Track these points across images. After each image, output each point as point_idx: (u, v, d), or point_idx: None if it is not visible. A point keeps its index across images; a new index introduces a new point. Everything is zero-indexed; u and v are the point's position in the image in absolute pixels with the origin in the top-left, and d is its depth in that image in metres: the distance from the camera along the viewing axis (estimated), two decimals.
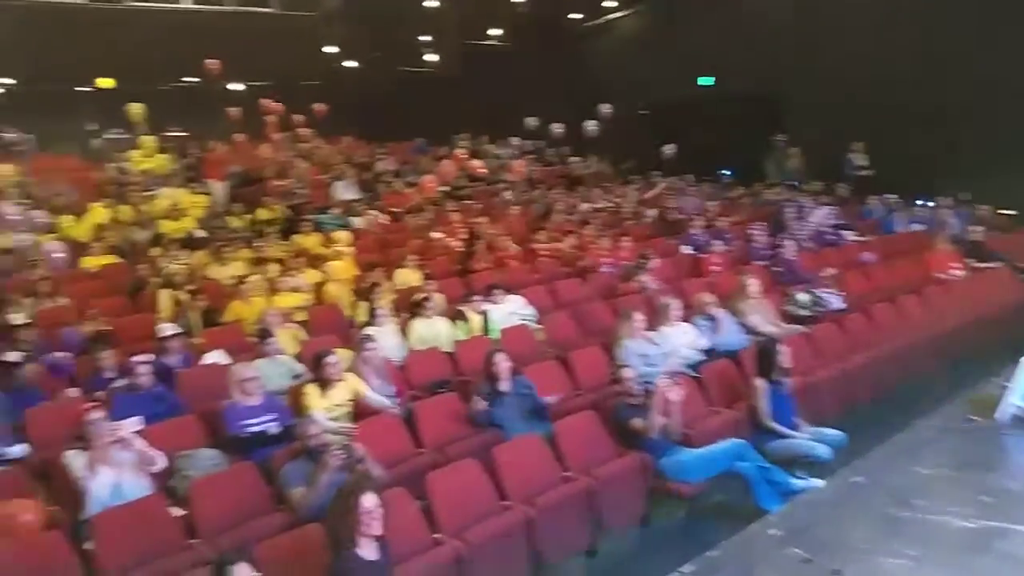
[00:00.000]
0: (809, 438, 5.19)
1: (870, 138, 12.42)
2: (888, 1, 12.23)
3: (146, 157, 12.26)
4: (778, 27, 14.11)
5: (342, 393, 5.39)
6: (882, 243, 10.49)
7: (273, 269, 8.63)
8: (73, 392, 5.76)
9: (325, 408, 5.24)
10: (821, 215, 10.86)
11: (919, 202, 11.72)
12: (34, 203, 10.89)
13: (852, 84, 12.73)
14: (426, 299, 7.16)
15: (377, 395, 5.52)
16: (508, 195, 12.55)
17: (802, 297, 7.67)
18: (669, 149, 14.29)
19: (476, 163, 12.87)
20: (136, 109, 13.18)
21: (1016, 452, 2.69)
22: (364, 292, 7.67)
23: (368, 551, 3.44)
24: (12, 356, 5.90)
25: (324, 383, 5.36)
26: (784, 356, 5.41)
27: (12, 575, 3.50)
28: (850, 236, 10.64)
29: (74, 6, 14.78)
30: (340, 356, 6.12)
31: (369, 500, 3.43)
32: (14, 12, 13.43)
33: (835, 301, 7.73)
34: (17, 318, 6.54)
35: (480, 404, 5.25)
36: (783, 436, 5.22)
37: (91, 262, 9.22)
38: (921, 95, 11.69)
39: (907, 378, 6.90)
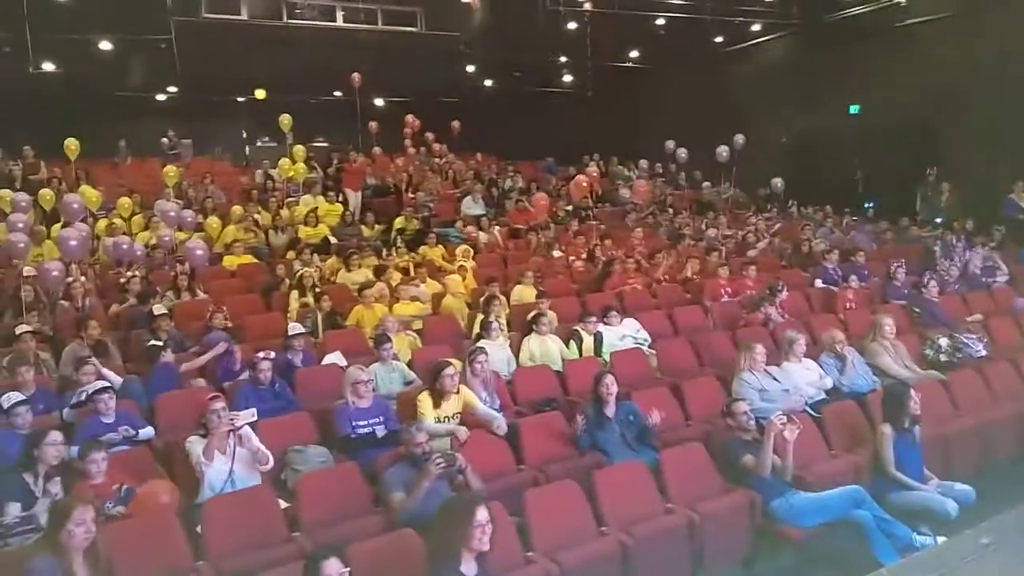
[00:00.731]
0: (936, 492, 4.79)
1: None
2: None
3: (291, 166, 13.01)
4: (936, 54, 13.25)
5: (454, 405, 5.44)
6: None
7: (396, 277, 8.92)
8: (200, 382, 6.16)
9: (436, 417, 5.30)
10: (971, 256, 10.08)
11: None
12: (186, 203, 11.82)
13: (1014, 118, 11.74)
14: (541, 316, 7.18)
15: (487, 408, 5.52)
16: (632, 217, 12.41)
17: (943, 342, 7.11)
18: (778, 182, 13.73)
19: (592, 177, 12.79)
20: (286, 120, 14.04)
21: None
22: (480, 305, 7.78)
23: (468, 566, 3.43)
24: (156, 340, 6.41)
25: (439, 393, 5.40)
26: (915, 402, 5.01)
27: (127, 549, 3.70)
28: (1003, 281, 9.81)
29: (241, 23, 15.94)
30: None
31: (482, 514, 3.43)
32: (189, 27, 14.68)
33: (979, 348, 7.11)
34: (159, 308, 7.06)
35: (580, 425, 5.15)
36: (907, 487, 4.82)
37: (230, 261, 9.86)
38: None
39: None
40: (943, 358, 6.98)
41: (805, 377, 6.12)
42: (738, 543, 4.64)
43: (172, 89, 17.59)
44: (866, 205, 14.41)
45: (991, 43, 12.42)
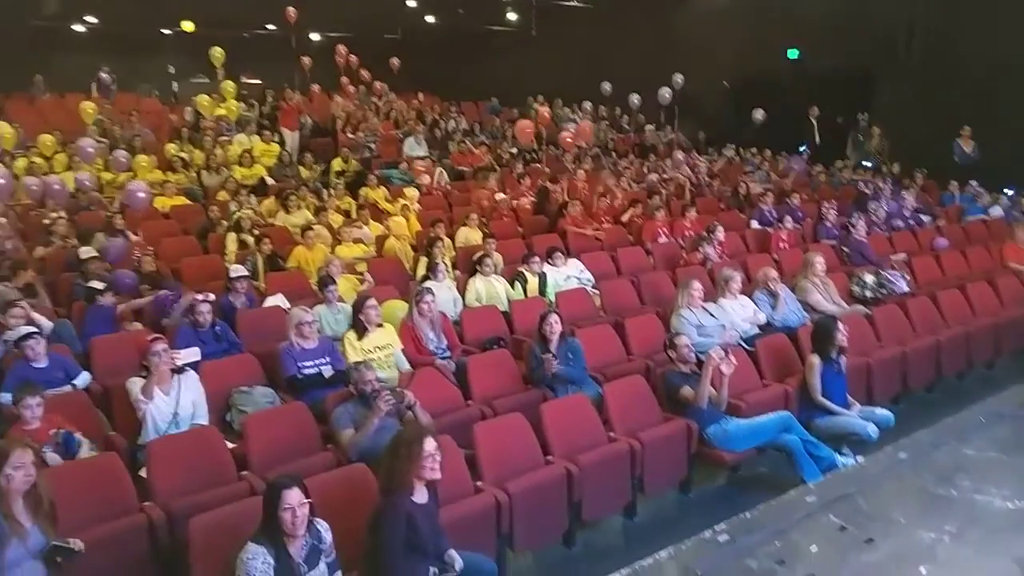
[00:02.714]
0: (858, 417, 5.11)
1: (965, 123, 11.83)
2: None
3: (222, 103, 12.56)
4: (875, 2, 13.48)
5: (380, 338, 5.50)
6: (958, 230, 10.10)
7: (337, 219, 8.82)
8: (136, 325, 6.04)
9: (362, 351, 5.35)
10: (904, 199, 10.48)
11: (1009, 192, 11.13)
12: (112, 142, 11.34)
13: (947, 67, 12.10)
14: (486, 257, 7.23)
15: (402, 356, 5.58)
16: (573, 159, 12.46)
17: (868, 279, 7.46)
18: (759, 115, 13.89)
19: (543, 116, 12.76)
20: (217, 54, 13.48)
21: None
22: (425, 247, 7.78)
23: (419, 494, 3.53)
24: (97, 284, 6.22)
25: (363, 328, 5.47)
26: (843, 335, 5.29)
27: (69, 493, 3.64)
28: (927, 221, 10.27)
29: None
30: (397, 307, 6.29)
31: (431, 444, 3.51)
32: None
33: (902, 284, 7.49)
34: (87, 251, 6.84)
35: (552, 364, 5.25)
36: (832, 413, 5.14)
37: (163, 202, 9.57)
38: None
39: (968, 366, 6.75)
40: (869, 294, 7.35)
41: (740, 313, 6.35)
42: (676, 468, 4.88)
43: (92, 20, 16.64)
44: (801, 148, 14.74)
45: None
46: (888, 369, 6.07)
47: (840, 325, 5.35)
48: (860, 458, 4.44)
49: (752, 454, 4.92)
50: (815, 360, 5.23)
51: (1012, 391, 2.93)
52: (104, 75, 15.10)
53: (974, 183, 11.35)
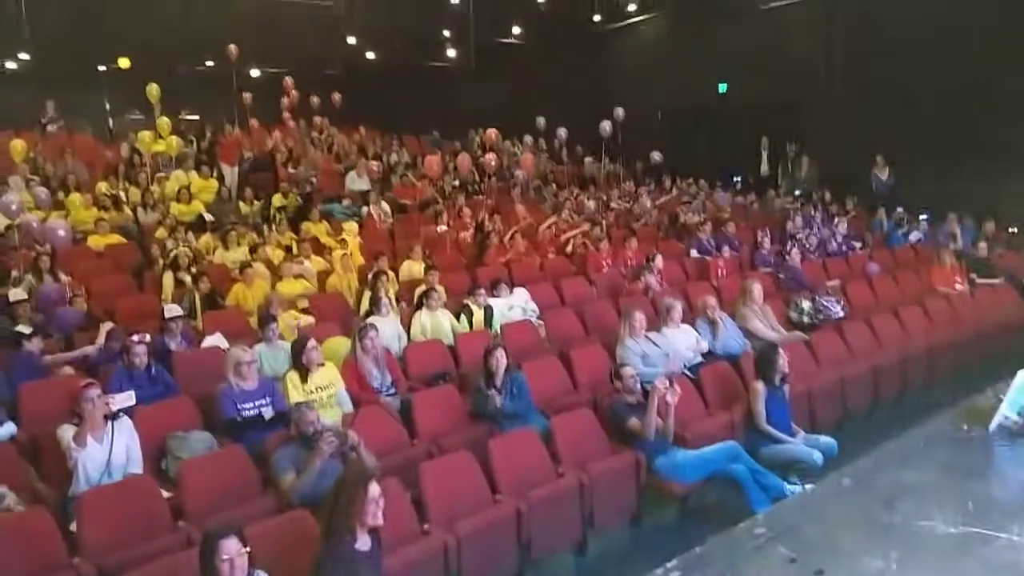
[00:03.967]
0: (803, 444, 5.19)
1: (885, 151, 12.33)
2: (919, 22, 12.04)
3: (159, 139, 12.30)
4: (798, 37, 14.05)
5: (323, 378, 5.41)
6: (888, 256, 10.47)
7: (277, 255, 8.67)
8: (68, 370, 5.80)
9: (305, 393, 5.24)
10: (836, 226, 10.83)
11: (924, 217, 11.63)
12: (43, 179, 10.98)
13: (869, 97, 12.64)
14: (431, 290, 7.18)
15: (346, 395, 5.49)
16: (517, 191, 12.54)
17: (805, 305, 7.65)
18: (656, 155, 14.26)
19: (489, 157, 12.87)
20: (153, 90, 13.23)
21: (1003, 462, 2.66)
22: (368, 281, 7.69)
23: (362, 541, 3.42)
24: (24, 328, 5.96)
25: (305, 369, 5.37)
26: (784, 361, 5.39)
27: None
28: (857, 248, 10.62)
29: None
30: (340, 344, 6.17)
31: (374, 489, 3.41)
32: None
33: (837, 310, 7.70)
34: (17, 294, 6.57)
35: (496, 399, 5.20)
36: (778, 441, 5.21)
37: (97, 241, 9.28)
38: (940, 110, 11.54)
39: (904, 389, 6.90)
40: (806, 320, 7.54)
41: (683, 341, 6.42)
42: (626, 501, 4.86)
43: (24, 56, 16.20)
44: (734, 179, 15.17)
45: (847, 27, 13.28)
46: (829, 394, 6.19)
47: (781, 351, 5.45)
48: (807, 486, 4.49)
49: (701, 484, 4.92)
50: (759, 387, 5.31)
51: (949, 413, 3.01)
52: (49, 113, 14.70)
53: (900, 210, 11.80)
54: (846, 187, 12.65)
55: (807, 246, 9.97)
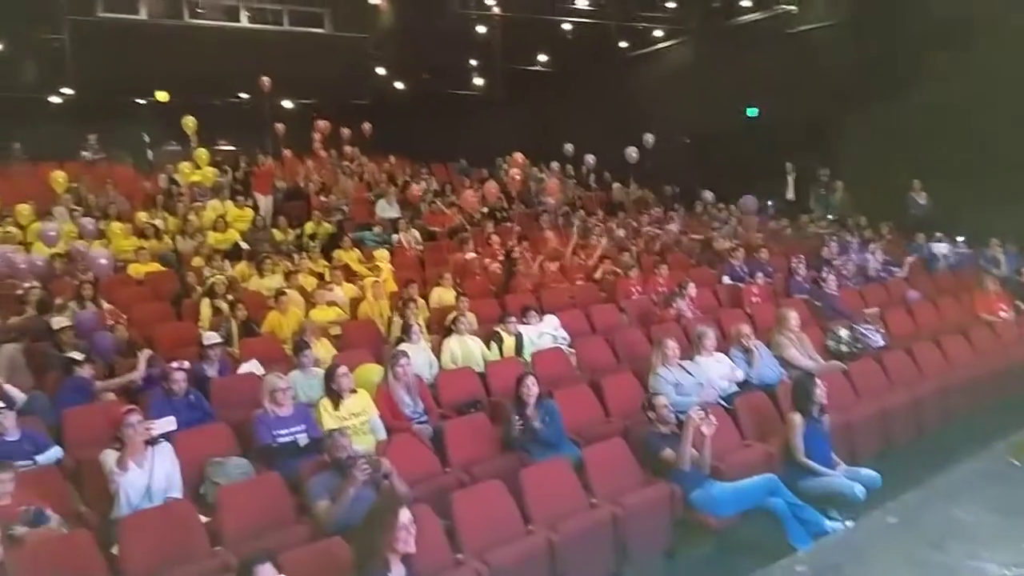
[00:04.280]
0: (844, 477, 5.06)
1: (920, 175, 12.17)
2: (940, 39, 11.94)
3: (196, 169, 12.55)
4: (826, 59, 13.98)
5: (355, 405, 5.43)
6: (928, 282, 10.26)
7: (310, 283, 8.76)
8: (109, 396, 5.90)
9: (337, 420, 5.26)
10: (872, 252, 10.67)
11: (962, 240, 11.41)
12: (86, 209, 11.26)
13: (901, 120, 12.50)
14: (460, 317, 7.20)
15: (379, 422, 5.49)
16: (545, 218, 12.57)
17: (843, 333, 7.50)
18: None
19: (513, 172, 12.92)
20: (190, 122, 13.54)
21: None
22: (399, 309, 7.73)
23: (396, 569, 3.42)
24: (76, 355, 6.09)
25: (337, 395, 5.39)
26: (821, 392, 5.28)
27: (38, 571, 3.53)
28: (896, 274, 10.44)
29: (139, 23, 15.31)
30: (372, 371, 6.20)
31: (405, 516, 3.42)
32: (84, 27, 14.00)
33: (876, 338, 7.54)
34: (60, 321, 6.71)
35: (532, 423, 5.18)
36: (817, 474, 5.08)
37: (137, 269, 9.46)
38: (976, 136, 11.37)
39: (948, 420, 6.72)
40: (844, 349, 7.37)
41: (717, 370, 6.34)
42: (660, 534, 4.78)
43: (67, 91, 16.70)
44: (768, 203, 15.03)
45: (878, 48, 13.18)
46: (869, 426, 6.05)
47: (818, 381, 5.35)
48: (849, 523, 4.38)
49: (738, 518, 4.83)
50: (796, 419, 5.20)
51: (997, 447, 2.93)
52: (91, 144, 15.14)
53: (939, 235, 11.59)
54: (880, 212, 12.48)
55: (844, 273, 9.81)
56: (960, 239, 11.39)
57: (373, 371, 6.21)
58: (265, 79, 15.00)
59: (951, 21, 11.74)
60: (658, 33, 17.67)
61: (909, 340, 7.73)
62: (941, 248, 10.97)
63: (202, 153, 12.88)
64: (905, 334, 8.14)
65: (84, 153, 14.90)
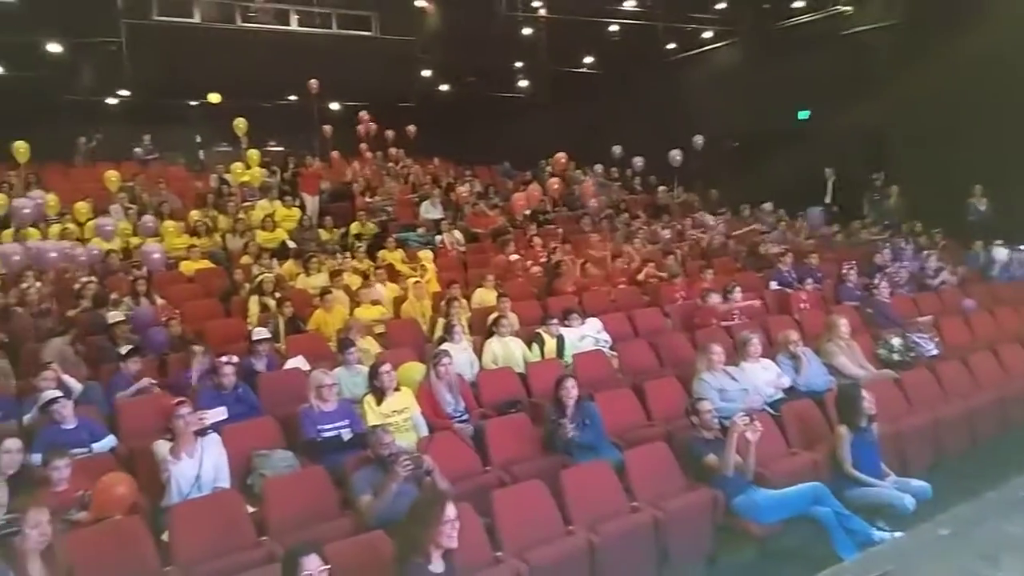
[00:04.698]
0: (893, 487, 4.94)
1: (977, 180, 11.83)
2: (1001, 42, 11.58)
3: (246, 170, 12.82)
4: (882, 61, 13.68)
5: (398, 402, 5.49)
6: (985, 291, 9.96)
7: (355, 281, 8.87)
8: (158, 389, 6.06)
9: (380, 416, 5.32)
10: (925, 260, 10.40)
11: (1021, 248, 11.03)
12: (141, 208, 11.58)
13: (960, 124, 12.16)
14: (502, 318, 7.22)
15: (421, 420, 5.55)
16: (587, 221, 12.53)
17: (895, 341, 7.32)
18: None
19: (552, 182, 12.93)
20: (241, 124, 13.83)
21: None
22: (442, 309, 7.78)
23: (436, 564, 3.44)
24: (123, 348, 6.28)
25: (380, 392, 5.45)
26: (868, 402, 5.16)
27: (92, 555, 3.64)
28: (951, 282, 10.15)
29: (193, 26, 15.67)
30: (414, 369, 6.25)
31: (451, 510, 3.45)
32: (140, 31, 14.39)
33: (930, 347, 7.35)
34: (115, 316, 6.91)
35: (568, 429, 5.17)
36: (865, 484, 4.97)
37: (188, 266, 9.69)
38: None
39: (1004, 431, 6.51)
40: (896, 357, 7.18)
41: (763, 377, 6.24)
42: (702, 540, 4.73)
43: (124, 93, 17.19)
44: (815, 208, 14.74)
45: (935, 50, 12.86)
46: (921, 436, 5.89)
47: (864, 391, 5.23)
48: (897, 533, 4.28)
49: (782, 526, 4.75)
50: (843, 431, 5.08)
51: None
52: (146, 144, 15.61)
53: (999, 242, 11.24)
54: (936, 218, 12.15)
55: (897, 280, 9.58)
56: (1022, 247, 11.02)
57: (416, 369, 6.27)
58: (313, 82, 15.22)
59: (1012, 21, 11.41)
60: (707, 35, 17.47)
61: (964, 349, 7.51)
62: (1000, 255, 10.62)
63: (254, 154, 13.14)
64: (960, 343, 7.91)
65: (137, 150, 15.34)
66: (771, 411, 5.84)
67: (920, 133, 12.88)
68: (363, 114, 15.99)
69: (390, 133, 16.52)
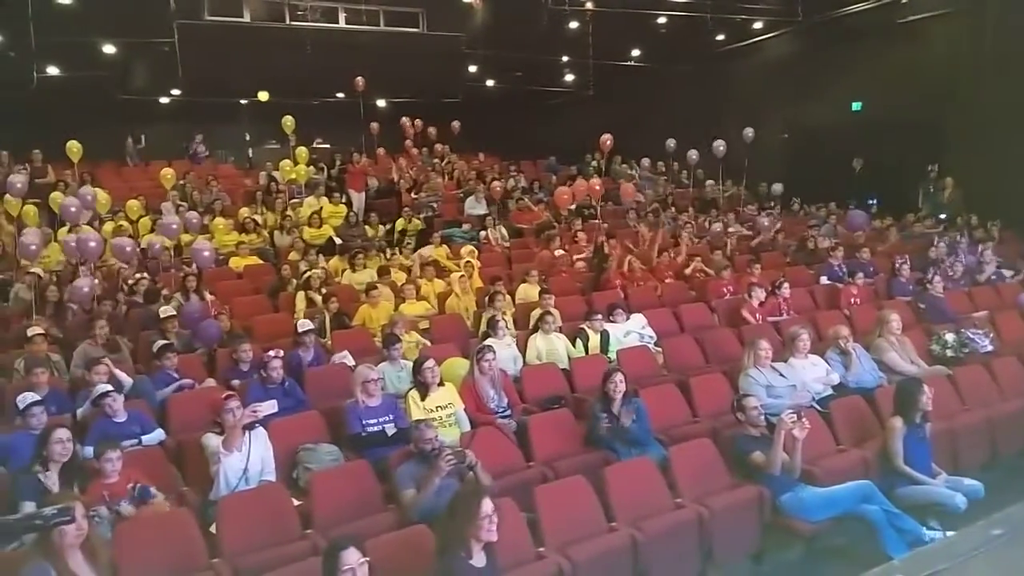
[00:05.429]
0: (945, 486, 4.82)
1: None
2: None
3: (293, 167, 13.04)
4: (937, 50, 13.27)
5: (442, 398, 5.53)
6: None
7: (400, 277, 8.96)
8: (210, 382, 6.20)
9: (425, 411, 5.36)
10: (982, 254, 10.07)
11: None
12: (193, 206, 11.86)
13: (1017, 114, 11.72)
14: (547, 314, 7.21)
15: (464, 415, 5.57)
16: (632, 216, 12.43)
17: (949, 337, 7.10)
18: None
19: (594, 182, 12.85)
20: (288, 122, 14.05)
21: None
22: (486, 304, 7.81)
23: (477, 558, 3.47)
24: (161, 342, 6.45)
25: (424, 387, 5.50)
26: (928, 398, 5.02)
27: (141, 547, 3.75)
28: (1008, 276, 9.82)
29: (243, 25, 15.93)
30: (458, 365, 6.29)
31: (488, 505, 3.47)
32: (192, 31, 14.71)
33: (985, 343, 7.11)
34: (166, 311, 7.10)
35: (624, 419, 5.16)
36: (916, 481, 4.85)
37: (237, 262, 9.90)
38: None
39: None
40: (949, 353, 6.97)
41: (812, 373, 6.13)
42: (747, 537, 4.67)
43: (176, 92, 17.61)
44: (869, 201, 14.40)
45: (993, 39, 12.42)
46: (975, 435, 5.71)
47: (925, 388, 5.10)
48: (949, 532, 4.17)
49: (830, 524, 4.66)
50: (897, 423, 4.97)
51: None
52: (197, 142, 16.01)
53: None
54: (994, 211, 11.75)
55: (951, 274, 9.30)
56: None
57: (459, 365, 6.30)
58: (360, 79, 15.38)
59: None
60: (757, 25, 17.14)
61: (1021, 346, 7.26)
62: None
63: (302, 151, 13.37)
64: (1017, 339, 7.64)
65: (199, 147, 15.74)
66: (819, 408, 5.73)
67: (978, 124, 12.46)
68: (405, 120, 16.12)
69: (432, 131, 16.62)
